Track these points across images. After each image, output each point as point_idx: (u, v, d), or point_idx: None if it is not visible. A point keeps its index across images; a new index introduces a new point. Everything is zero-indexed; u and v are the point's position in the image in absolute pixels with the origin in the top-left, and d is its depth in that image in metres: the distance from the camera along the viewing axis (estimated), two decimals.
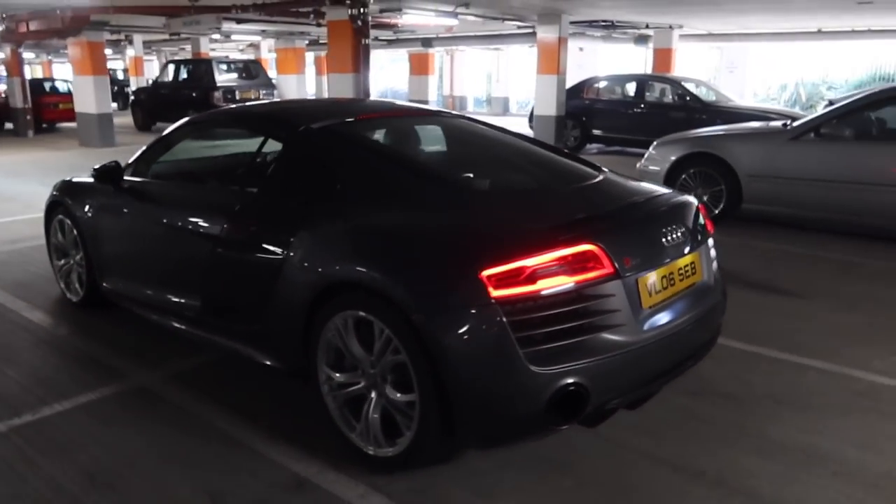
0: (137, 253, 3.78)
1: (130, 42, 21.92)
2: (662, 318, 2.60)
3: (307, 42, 17.74)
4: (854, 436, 2.93)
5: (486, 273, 2.28)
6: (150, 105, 17.61)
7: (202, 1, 9.19)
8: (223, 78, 16.23)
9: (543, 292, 2.31)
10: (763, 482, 2.59)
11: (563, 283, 2.34)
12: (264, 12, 9.78)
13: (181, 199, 3.56)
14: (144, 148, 3.97)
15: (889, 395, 3.32)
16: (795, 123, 6.55)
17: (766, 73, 21.10)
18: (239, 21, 13.17)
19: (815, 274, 5.29)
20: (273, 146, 3.36)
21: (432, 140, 3.68)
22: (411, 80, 20.76)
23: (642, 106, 12.51)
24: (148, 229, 3.65)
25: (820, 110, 16.92)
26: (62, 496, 2.49)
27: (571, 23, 13.44)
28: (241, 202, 3.16)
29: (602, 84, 13.43)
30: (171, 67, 17.38)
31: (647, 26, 15.23)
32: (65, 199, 4.25)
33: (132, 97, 18.61)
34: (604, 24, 14.39)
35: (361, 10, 8.77)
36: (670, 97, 12.36)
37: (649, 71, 16.48)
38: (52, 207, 4.43)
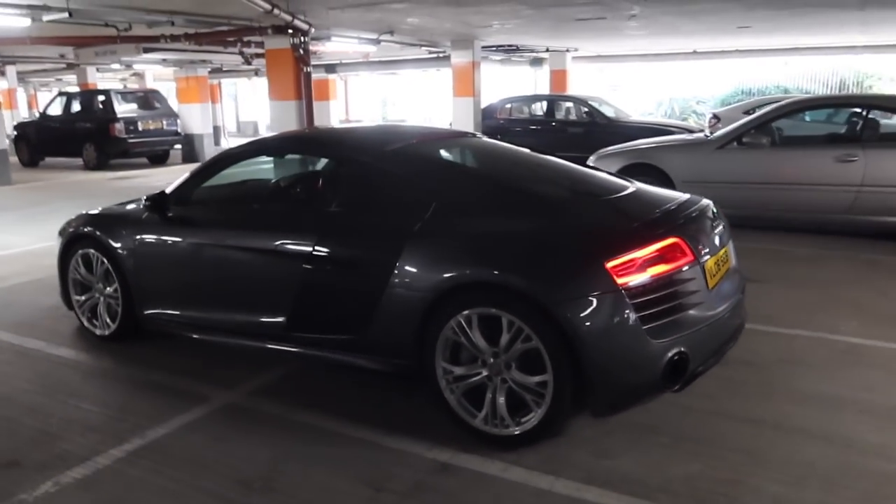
0: (198, 278, 3.88)
1: (2, 73, 20.51)
2: (720, 297, 3.14)
3: (209, 70, 17.45)
4: (857, 383, 3.61)
5: (609, 265, 2.73)
6: (39, 139, 16.58)
7: (133, 30, 9.01)
8: (123, 109, 15.63)
9: (651, 277, 2.79)
10: (810, 423, 3.18)
11: (663, 269, 2.83)
12: (194, 41, 9.71)
13: (252, 223, 3.74)
14: (189, 174, 4.08)
15: (865, 350, 4.06)
16: (718, 134, 7.50)
17: (643, 90, 23.01)
18: (146, 49, 12.84)
19: (760, 262, 6.11)
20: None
21: (478, 158, 4.07)
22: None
23: (553, 124, 13.44)
24: (212, 254, 3.78)
25: (694, 121, 18.47)
26: (229, 502, 2.65)
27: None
28: (329, 223, 3.40)
29: (514, 104, 14.28)
30: (62, 99, 16.48)
31: (546, 50, 16.33)
32: (94, 231, 4.24)
33: (14, 132, 17.41)
34: (508, 48, 15.30)
35: (303, 38, 8.97)
36: (578, 115, 13.37)
37: (543, 91, 17.58)
38: (73, 242, 4.39)
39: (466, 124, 13.50)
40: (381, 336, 3.21)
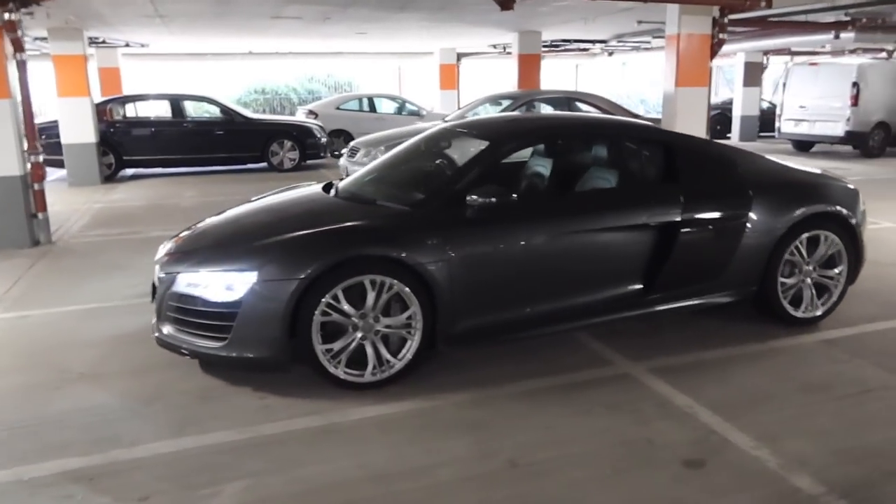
0: (541, 270, 3.77)
1: None
2: None
3: None
4: None
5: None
6: None
7: None
8: None
9: None
10: None
11: None
12: None
13: (606, 203, 4.00)
14: (472, 164, 3.90)
15: None
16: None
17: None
18: None
19: None
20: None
21: None
22: None
23: (186, 125, 12.48)
24: (560, 241, 3.81)
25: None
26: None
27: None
28: (686, 195, 3.98)
29: (129, 104, 12.51)
30: None
31: (127, 44, 14.47)
32: (387, 252, 3.43)
33: None
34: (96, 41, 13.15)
35: (20, 14, 6.44)
36: (212, 114, 12.79)
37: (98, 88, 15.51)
38: (342, 273, 3.36)
39: (83, 130, 11.25)
40: (735, 274, 4.12)
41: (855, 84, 13.55)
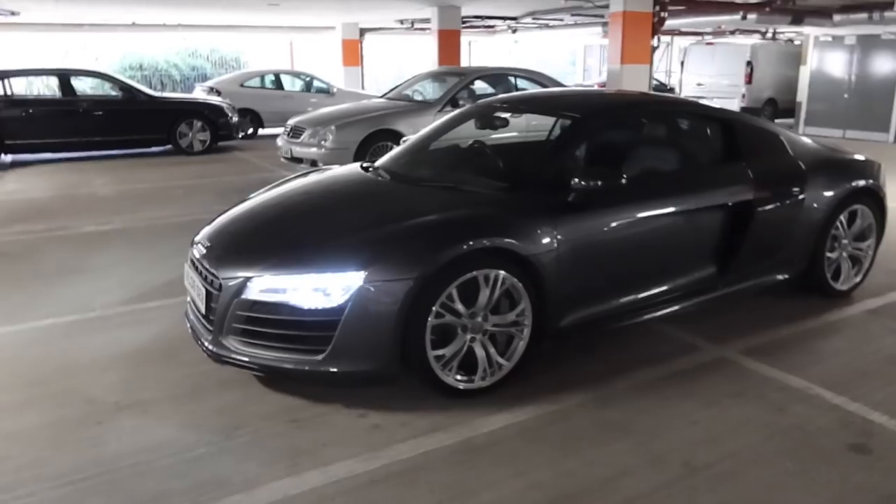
0: (634, 258, 3.60)
1: None
2: None
3: None
4: None
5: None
6: None
7: None
8: None
9: None
10: None
11: None
12: None
13: (683, 185, 3.85)
14: (571, 144, 3.74)
15: None
16: (436, 98, 8.92)
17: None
18: None
19: None
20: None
21: None
22: None
23: (79, 103, 11.05)
24: (650, 227, 3.63)
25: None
26: None
27: None
28: (754, 172, 3.95)
29: (8, 80, 10.84)
30: None
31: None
32: (510, 242, 3.10)
33: None
34: None
35: None
36: (110, 91, 11.43)
37: None
38: (444, 272, 2.97)
39: None
40: (793, 251, 4.17)
41: (749, 63, 14.47)
